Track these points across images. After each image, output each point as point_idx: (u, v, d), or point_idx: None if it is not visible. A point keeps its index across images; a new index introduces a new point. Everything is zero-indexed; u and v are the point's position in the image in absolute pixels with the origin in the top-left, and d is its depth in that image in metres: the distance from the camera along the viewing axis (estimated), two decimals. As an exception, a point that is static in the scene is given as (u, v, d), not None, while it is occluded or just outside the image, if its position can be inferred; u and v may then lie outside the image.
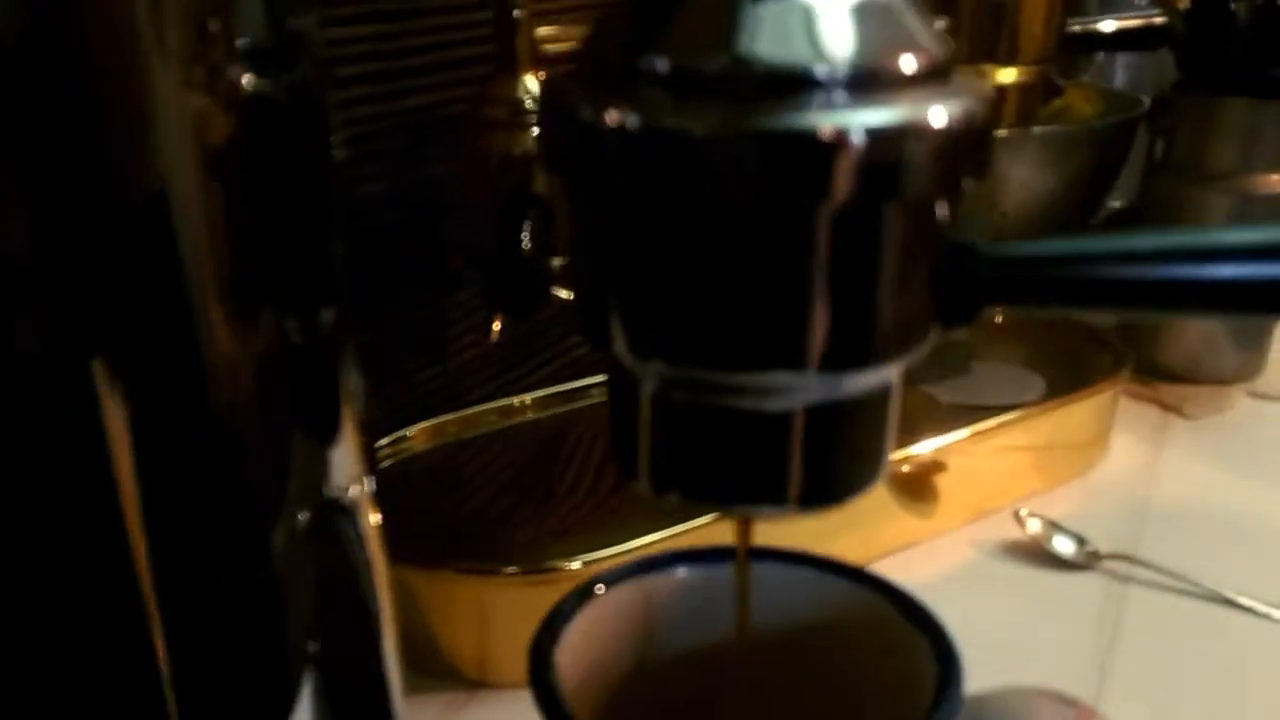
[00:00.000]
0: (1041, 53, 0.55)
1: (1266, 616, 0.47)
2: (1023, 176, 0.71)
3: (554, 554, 0.42)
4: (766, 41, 0.17)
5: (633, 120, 0.17)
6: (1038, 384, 0.60)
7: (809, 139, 0.17)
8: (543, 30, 0.43)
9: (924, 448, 0.51)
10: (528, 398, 0.56)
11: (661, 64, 0.18)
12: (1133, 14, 0.66)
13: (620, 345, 0.20)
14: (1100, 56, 0.84)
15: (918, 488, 0.54)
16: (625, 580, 0.28)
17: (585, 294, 0.21)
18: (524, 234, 0.38)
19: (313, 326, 0.22)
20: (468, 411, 0.54)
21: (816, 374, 0.19)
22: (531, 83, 0.43)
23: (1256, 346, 0.71)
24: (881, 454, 0.22)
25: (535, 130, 0.42)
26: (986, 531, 0.53)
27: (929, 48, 0.18)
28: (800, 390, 0.20)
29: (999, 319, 0.69)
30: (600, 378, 0.58)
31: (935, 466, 0.53)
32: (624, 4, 0.19)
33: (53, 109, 0.15)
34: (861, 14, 0.18)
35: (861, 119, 0.17)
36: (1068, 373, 0.60)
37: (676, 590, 0.28)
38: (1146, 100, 0.65)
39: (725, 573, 0.28)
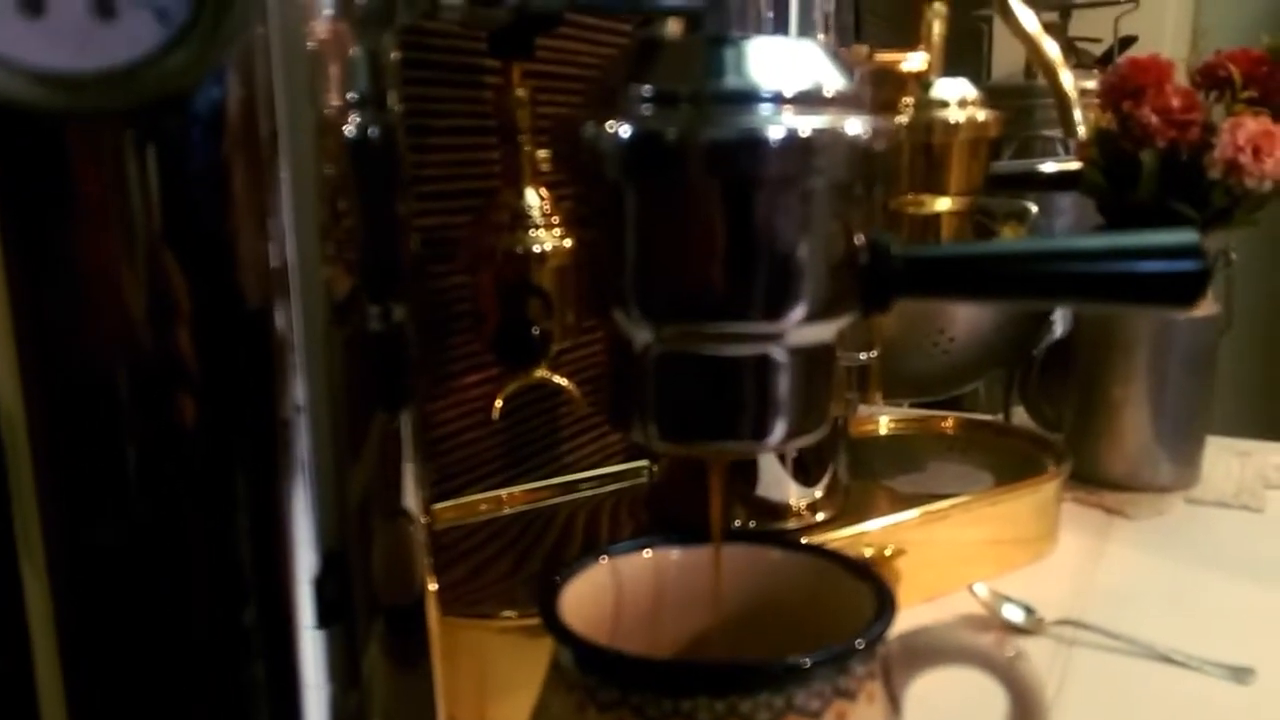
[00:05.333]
0: (969, 186, 0.63)
1: (1199, 670, 0.51)
2: (969, 308, 0.79)
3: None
4: (721, 71, 0.24)
5: (625, 126, 0.24)
6: (987, 479, 0.66)
7: (748, 135, 0.24)
8: (541, 153, 0.51)
9: (884, 522, 0.57)
10: (507, 491, 0.61)
11: (647, 89, 0.25)
12: (1054, 159, 0.75)
13: (619, 313, 0.27)
14: (1035, 210, 0.94)
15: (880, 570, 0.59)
16: (626, 554, 0.32)
17: (594, 280, 0.27)
18: (525, 311, 0.45)
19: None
20: (461, 500, 0.59)
21: (765, 323, 0.26)
22: (531, 195, 0.50)
23: (1191, 460, 0.78)
24: (824, 407, 0.28)
25: (534, 231, 0.49)
26: (942, 606, 0.58)
27: (844, 80, 0.25)
28: (754, 339, 0.26)
29: (952, 431, 0.76)
30: (577, 475, 0.64)
31: (896, 551, 0.58)
32: (621, 50, 0.26)
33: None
34: (793, 54, 0.25)
35: (786, 123, 0.24)
36: (1015, 471, 0.66)
37: (674, 567, 0.33)
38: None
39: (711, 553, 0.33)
